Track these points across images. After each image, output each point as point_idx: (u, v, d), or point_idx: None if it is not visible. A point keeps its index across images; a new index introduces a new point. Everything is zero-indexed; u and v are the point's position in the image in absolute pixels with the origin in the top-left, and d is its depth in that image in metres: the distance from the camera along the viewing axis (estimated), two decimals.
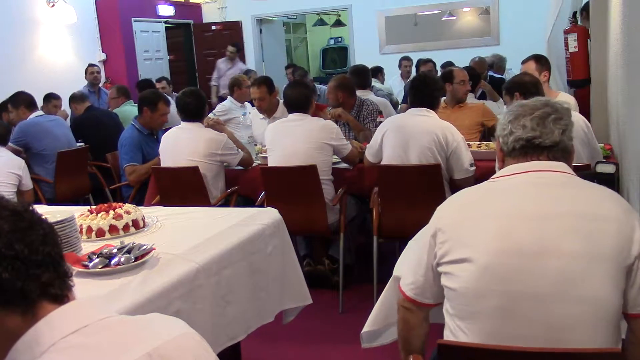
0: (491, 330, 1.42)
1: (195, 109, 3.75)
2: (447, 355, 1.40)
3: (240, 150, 3.88)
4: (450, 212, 1.54)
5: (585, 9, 4.93)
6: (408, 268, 1.67)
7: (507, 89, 3.30)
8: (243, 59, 9.49)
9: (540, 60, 3.91)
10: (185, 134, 3.76)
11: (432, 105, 3.44)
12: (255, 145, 4.51)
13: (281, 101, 4.78)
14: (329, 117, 4.15)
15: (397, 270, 1.95)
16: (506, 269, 1.38)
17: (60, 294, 0.95)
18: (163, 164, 3.82)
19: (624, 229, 1.38)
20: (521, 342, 1.37)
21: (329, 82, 4.49)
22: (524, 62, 3.98)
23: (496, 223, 1.43)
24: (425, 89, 3.44)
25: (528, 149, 1.52)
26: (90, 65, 7.32)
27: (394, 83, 7.77)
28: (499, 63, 7.26)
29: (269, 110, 4.55)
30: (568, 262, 1.35)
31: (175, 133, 3.83)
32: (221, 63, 8.88)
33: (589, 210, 1.41)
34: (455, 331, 1.49)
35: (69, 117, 6.12)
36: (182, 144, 3.72)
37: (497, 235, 1.41)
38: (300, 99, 3.67)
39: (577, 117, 3.10)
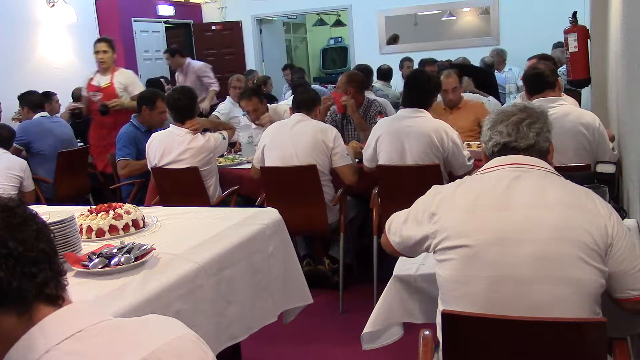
0: (476, 312, 1.51)
1: (184, 107, 3.71)
2: (450, 323, 1.51)
3: (223, 132, 3.87)
4: (449, 201, 1.63)
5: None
6: (398, 230, 1.76)
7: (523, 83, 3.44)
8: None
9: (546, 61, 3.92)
10: (174, 145, 3.65)
11: (425, 104, 3.41)
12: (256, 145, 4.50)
13: (269, 105, 4.75)
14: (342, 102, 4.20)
15: (397, 270, 1.96)
16: (488, 257, 1.50)
17: (56, 295, 0.94)
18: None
19: (596, 217, 1.49)
20: None
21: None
22: (529, 59, 3.99)
23: (482, 215, 1.55)
24: (420, 88, 3.42)
25: (506, 152, 1.65)
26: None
27: (397, 85, 7.67)
28: (498, 59, 7.26)
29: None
30: (543, 247, 1.46)
31: (161, 142, 3.71)
32: (178, 77, 7.44)
33: (563, 199, 1.52)
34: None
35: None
36: (172, 155, 3.64)
37: (482, 226, 1.53)
38: (309, 100, 3.69)
39: (575, 116, 3.08)
